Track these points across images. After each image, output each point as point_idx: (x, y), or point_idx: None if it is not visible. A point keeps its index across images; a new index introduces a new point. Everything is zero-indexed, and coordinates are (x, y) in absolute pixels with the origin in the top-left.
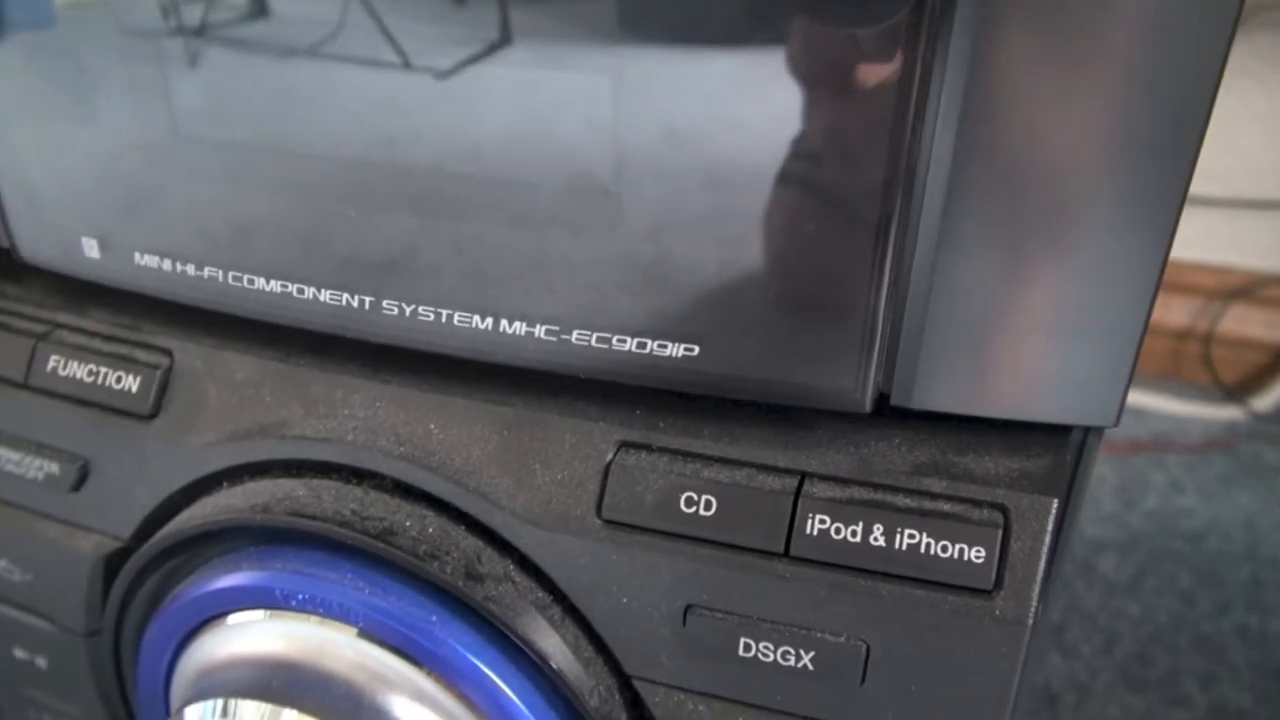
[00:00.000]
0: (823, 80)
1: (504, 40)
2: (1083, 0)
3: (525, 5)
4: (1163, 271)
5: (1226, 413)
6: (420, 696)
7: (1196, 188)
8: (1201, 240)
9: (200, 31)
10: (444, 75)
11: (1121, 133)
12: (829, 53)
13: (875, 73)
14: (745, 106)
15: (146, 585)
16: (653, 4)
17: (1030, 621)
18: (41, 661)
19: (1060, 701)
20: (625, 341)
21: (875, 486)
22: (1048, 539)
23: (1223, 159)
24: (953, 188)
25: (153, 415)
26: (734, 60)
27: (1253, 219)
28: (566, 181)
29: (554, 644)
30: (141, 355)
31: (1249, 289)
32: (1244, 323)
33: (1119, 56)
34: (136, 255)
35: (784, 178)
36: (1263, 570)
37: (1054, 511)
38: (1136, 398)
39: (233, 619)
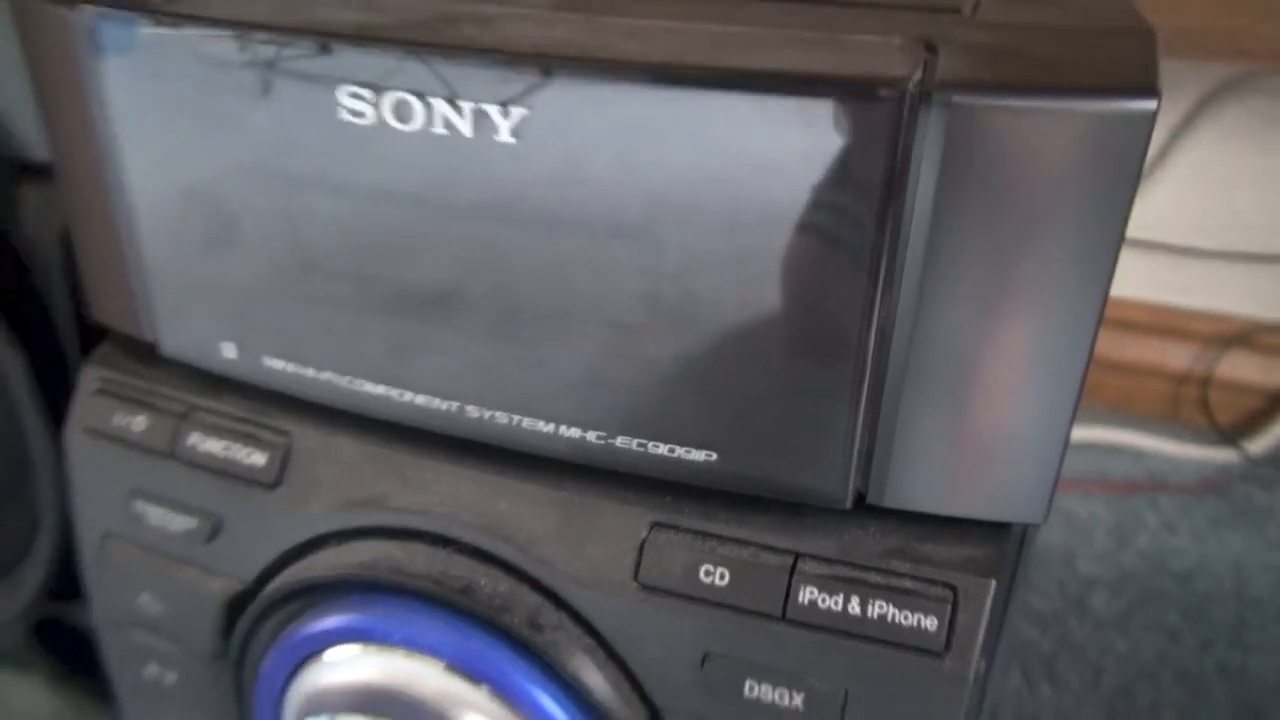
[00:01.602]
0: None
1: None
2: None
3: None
4: (1077, 403)
5: (1221, 455)
6: (491, 717)
7: (1196, 241)
8: (1200, 289)
9: (321, 184)
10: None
11: (1037, 314)
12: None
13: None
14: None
15: (266, 622)
16: None
17: (971, 677)
18: (170, 678)
19: None
20: (659, 447)
21: (853, 566)
22: (986, 612)
23: (1220, 214)
24: (913, 347)
25: (275, 485)
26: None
27: (1248, 270)
28: (612, 324)
29: (598, 681)
30: (266, 435)
31: (1245, 336)
32: (1240, 368)
33: (1040, 255)
34: (266, 358)
35: (775, 333)
36: (1247, 610)
37: (992, 591)
38: (1134, 439)
39: (339, 652)
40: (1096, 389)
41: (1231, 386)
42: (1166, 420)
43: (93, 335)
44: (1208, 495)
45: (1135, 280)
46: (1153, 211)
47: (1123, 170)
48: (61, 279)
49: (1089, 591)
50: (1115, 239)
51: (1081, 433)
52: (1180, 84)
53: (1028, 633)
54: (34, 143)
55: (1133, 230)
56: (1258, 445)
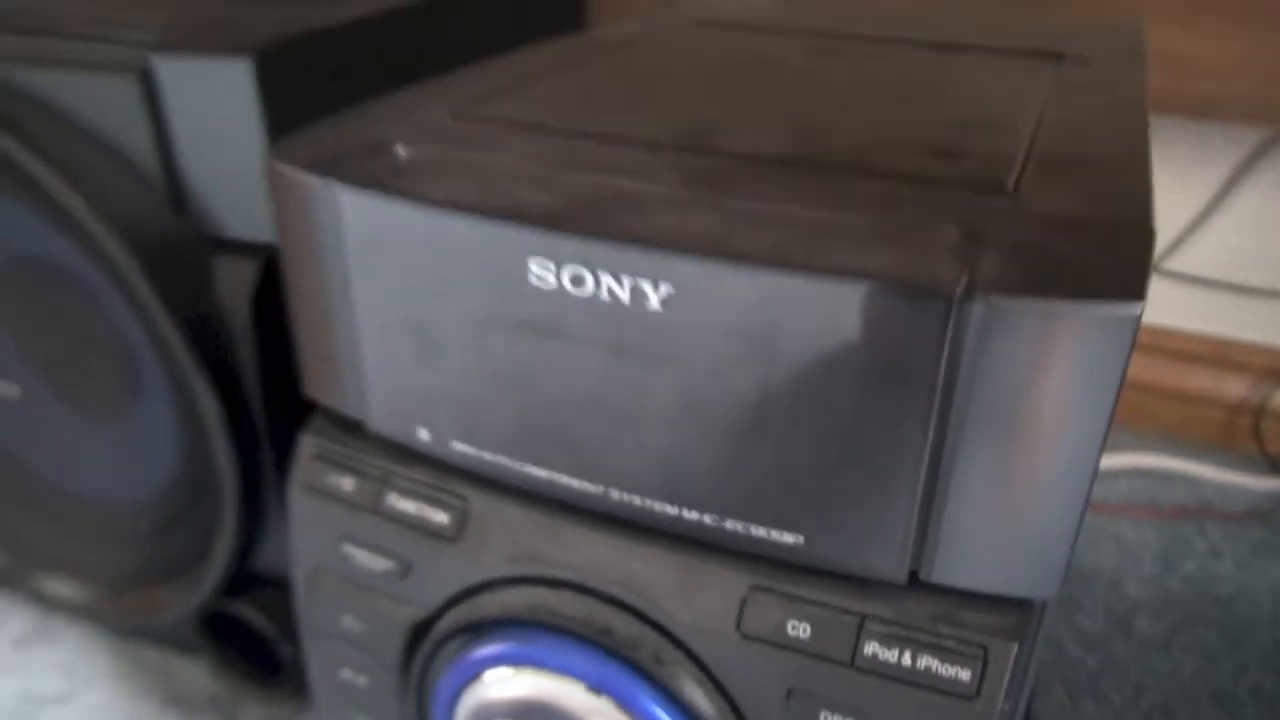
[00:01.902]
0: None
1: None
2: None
3: None
4: (1084, 510)
5: (1270, 484)
6: None
7: (1254, 279)
8: (1257, 325)
9: (510, 327)
10: (663, 367)
11: (1051, 447)
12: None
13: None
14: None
15: (443, 646)
16: None
17: (995, 717)
18: (361, 681)
19: None
20: (759, 529)
21: (907, 627)
22: (1010, 668)
23: (1273, 252)
24: (954, 470)
25: (455, 539)
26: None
27: None
28: (724, 439)
29: (705, 706)
30: (449, 500)
31: None
32: None
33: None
34: (452, 441)
35: (853, 456)
36: None
37: (1014, 652)
38: (1186, 466)
39: (497, 673)
40: (1153, 416)
41: None
42: (1219, 449)
43: (278, 388)
44: (1253, 523)
45: (1193, 314)
46: (1212, 249)
47: (1117, 353)
48: (251, 341)
49: (1135, 613)
50: (1110, 398)
51: (1136, 459)
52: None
53: (1073, 651)
54: (226, 221)
55: (1192, 267)
56: None
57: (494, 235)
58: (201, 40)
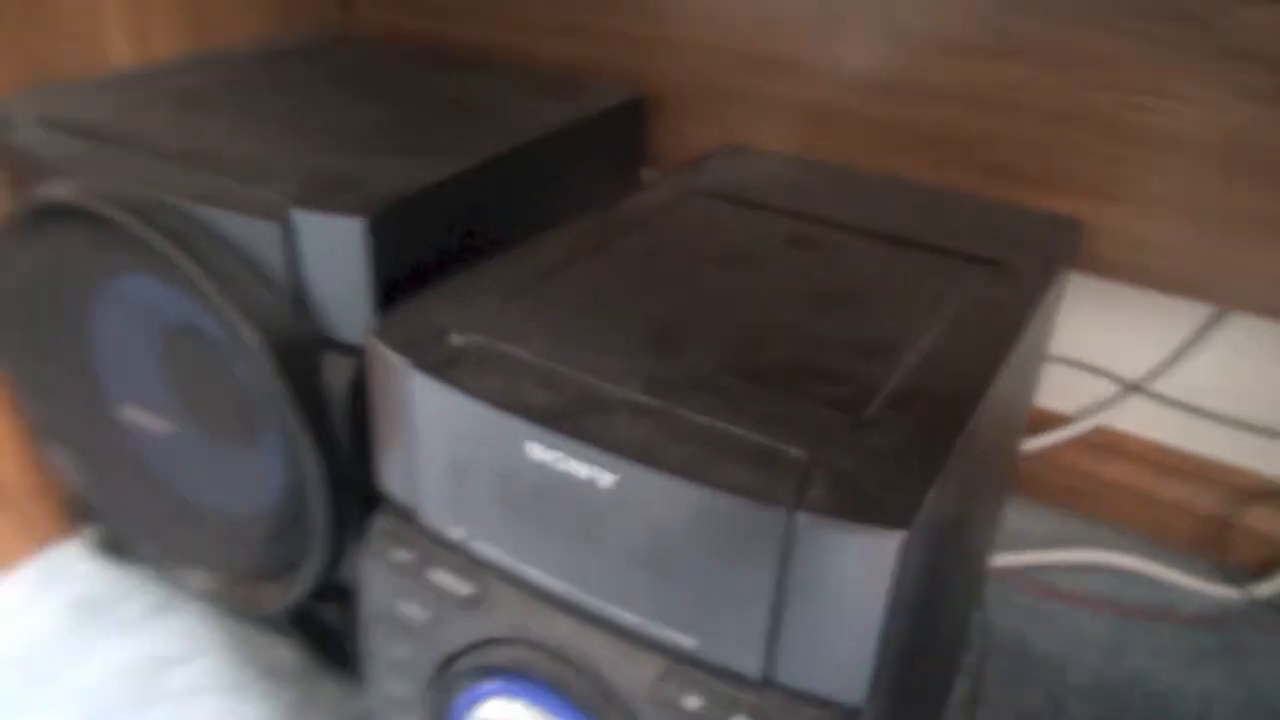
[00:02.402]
0: None
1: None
2: None
3: None
4: (876, 657)
5: (1227, 593)
6: None
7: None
8: (1235, 448)
9: (514, 477)
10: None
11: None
12: None
13: None
14: None
15: (461, 675)
16: None
17: None
18: (404, 690)
19: None
20: (673, 633)
21: (761, 709)
22: None
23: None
24: (789, 615)
25: (473, 606)
26: None
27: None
28: (643, 568)
29: None
30: (475, 575)
31: (1271, 493)
32: (1264, 521)
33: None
34: (478, 542)
35: (720, 595)
36: None
37: None
38: (1151, 568)
39: (495, 703)
40: (1130, 519)
41: (1251, 534)
42: (1187, 556)
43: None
44: (1202, 628)
45: (1177, 433)
46: (1201, 375)
47: (885, 561)
48: (346, 418)
49: (1070, 697)
50: (884, 590)
51: (1107, 556)
52: None
53: None
54: (336, 327)
55: (1180, 393)
56: (1263, 590)
57: (506, 422)
58: (329, 200)
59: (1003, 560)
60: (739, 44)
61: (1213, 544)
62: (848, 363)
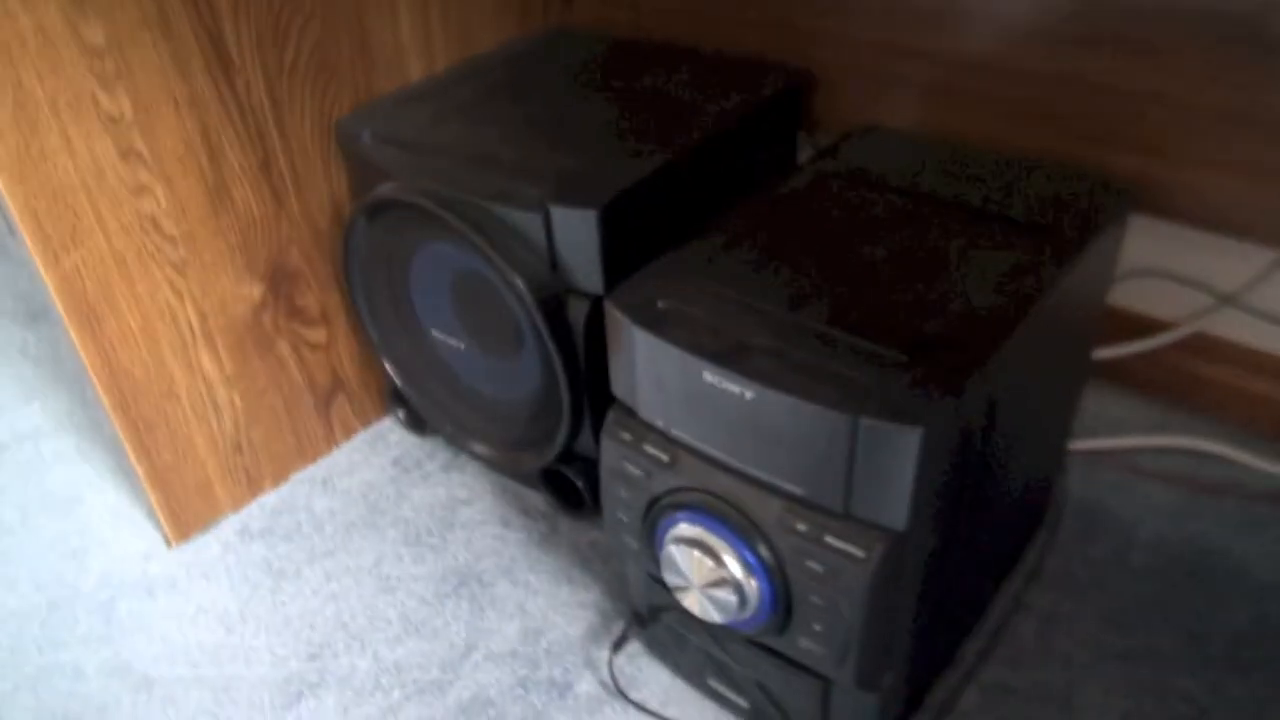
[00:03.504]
0: None
1: None
2: None
3: None
4: (911, 499)
5: None
6: (728, 554)
7: None
8: None
9: (701, 392)
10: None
11: None
12: None
13: None
14: None
15: (665, 508)
16: None
17: (872, 576)
18: (625, 519)
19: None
20: (789, 484)
21: (844, 530)
22: (883, 552)
23: None
24: (857, 475)
25: (670, 466)
26: None
27: None
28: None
29: (766, 554)
30: (669, 448)
31: None
32: None
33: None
34: (673, 429)
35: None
36: (1236, 584)
37: (886, 545)
38: (1233, 452)
39: (684, 525)
40: (1222, 411)
41: None
42: (1267, 443)
43: (597, 366)
44: (1265, 501)
45: (1265, 337)
46: None
47: (910, 449)
48: (583, 343)
49: (1131, 550)
50: (910, 469)
51: (1195, 442)
52: None
53: (1075, 568)
54: (577, 281)
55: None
56: None
57: (689, 359)
58: (573, 197)
59: (1097, 443)
60: (877, 33)
61: None
62: (912, 318)
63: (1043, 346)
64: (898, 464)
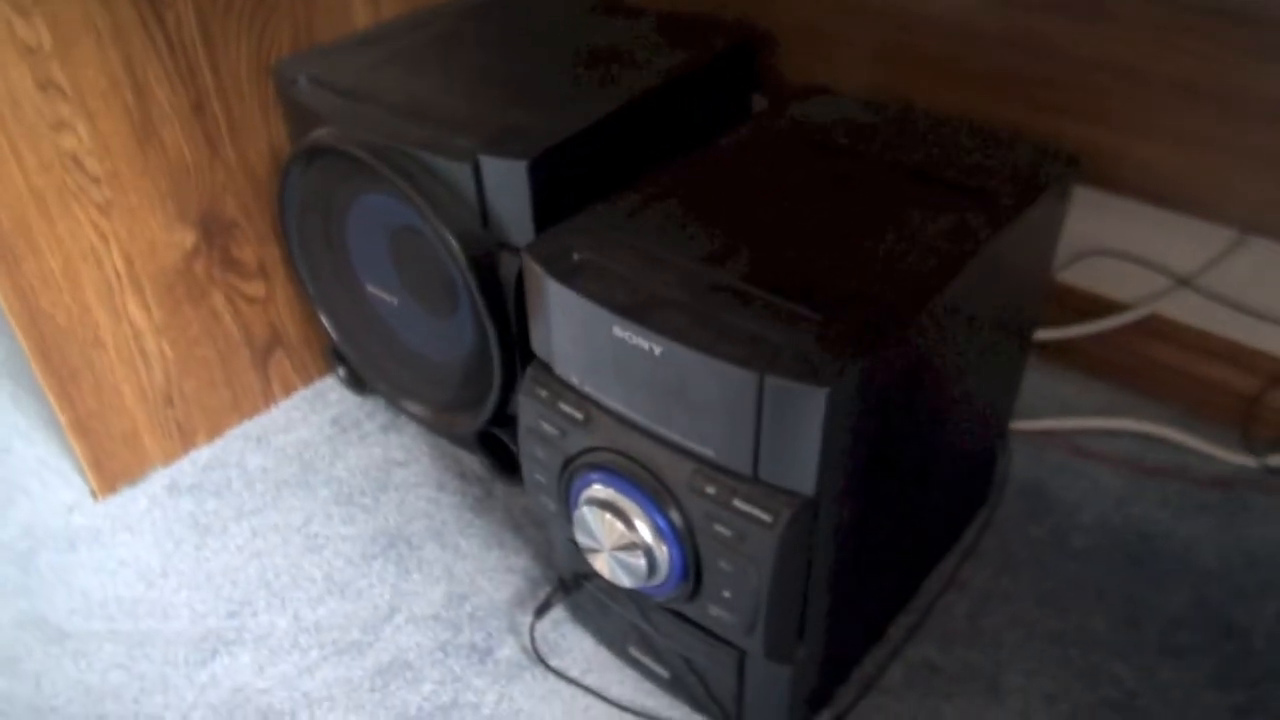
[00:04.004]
0: None
1: None
2: None
3: None
4: (819, 455)
5: (1240, 459)
6: (636, 515)
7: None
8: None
9: (612, 350)
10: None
11: None
12: None
13: None
14: None
15: (577, 470)
16: None
17: (778, 541)
18: (543, 479)
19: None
20: (702, 447)
21: (750, 494)
22: (790, 516)
23: None
24: (766, 431)
25: (584, 425)
26: None
27: None
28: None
29: (676, 517)
30: (583, 406)
31: None
32: None
33: None
34: (585, 385)
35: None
36: (1173, 566)
37: (793, 509)
38: (1182, 437)
39: (596, 487)
40: (1172, 394)
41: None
42: (1215, 428)
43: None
44: (1210, 488)
45: (1218, 321)
46: (1244, 271)
47: (816, 409)
48: (514, 299)
49: (1072, 532)
50: (816, 433)
51: (1142, 425)
52: None
53: (1015, 548)
54: (508, 235)
55: (1225, 287)
56: (1278, 459)
57: (600, 313)
58: (503, 148)
59: (1042, 424)
60: None
61: (1242, 420)
62: (835, 278)
63: (975, 313)
64: (805, 426)
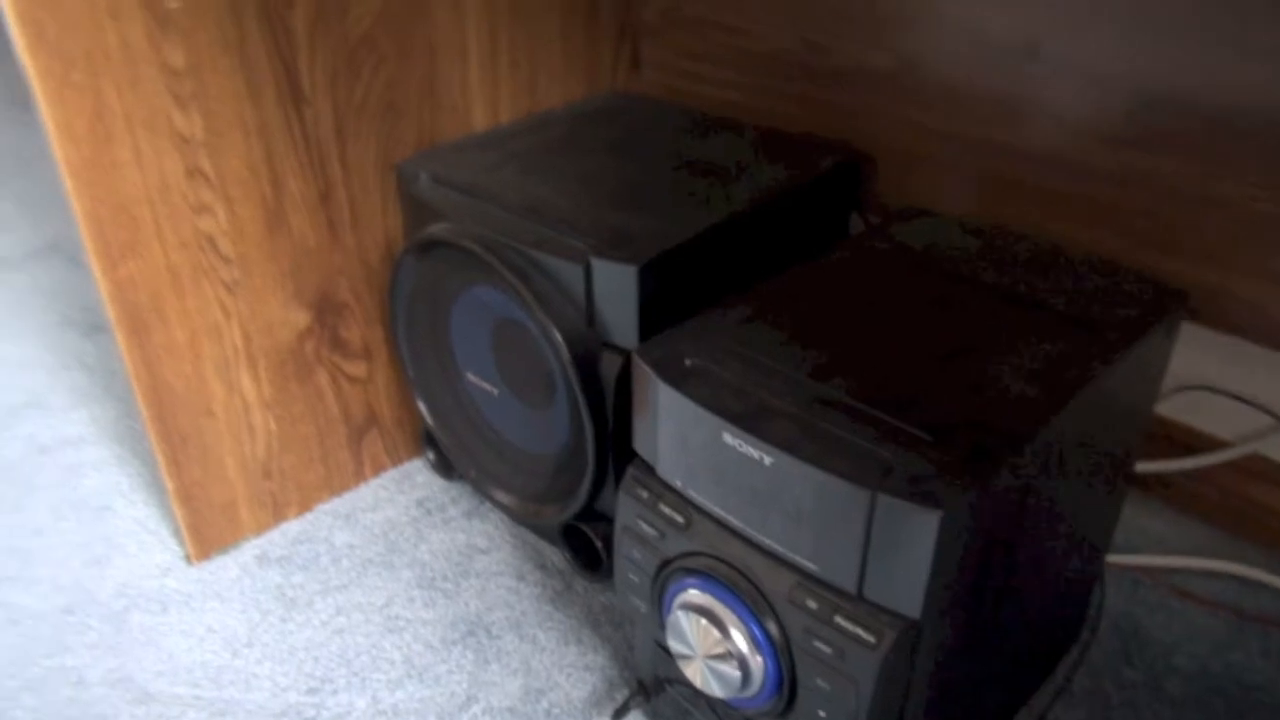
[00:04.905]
0: None
1: None
2: None
3: None
4: (928, 582)
5: None
6: (735, 626)
7: None
8: None
9: (723, 457)
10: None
11: None
12: None
13: None
14: None
15: (673, 574)
16: None
17: (880, 661)
18: (636, 580)
19: None
20: (802, 560)
21: (854, 612)
22: (894, 639)
23: None
24: (873, 549)
25: (685, 530)
26: None
27: None
28: (784, 515)
29: (774, 629)
30: (685, 510)
31: None
32: None
33: None
34: (690, 490)
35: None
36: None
37: (896, 631)
38: (1275, 580)
39: (693, 591)
40: (1272, 538)
41: None
42: None
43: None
44: None
45: None
46: None
47: (928, 533)
48: (613, 399)
49: (1169, 676)
50: (928, 556)
51: (1242, 569)
52: None
53: (1109, 687)
54: (612, 335)
55: None
56: None
57: (711, 419)
58: (614, 252)
59: (1139, 560)
60: (934, 120)
61: None
62: (943, 399)
63: (1080, 445)
64: (915, 547)
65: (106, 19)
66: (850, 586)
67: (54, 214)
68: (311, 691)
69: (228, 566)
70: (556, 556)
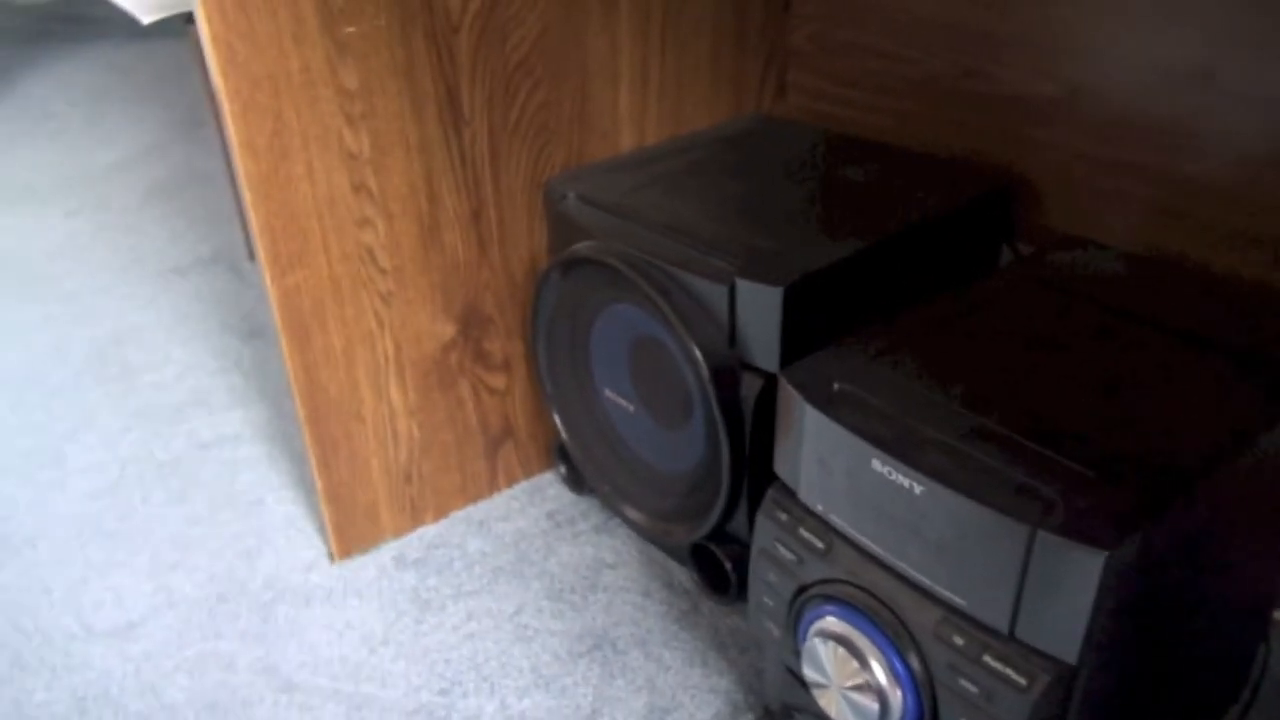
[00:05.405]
0: None
1: None
2: None
3: None
4: (1087, 625)
5: None
6: (873, 656)
7: None
8: None
9: (871, 487)
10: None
11: None
12: None
13: None
14: None
15: (810, 599)
16: None
17: (1032, 705)
18: (770, 604)
19: None
20: (951, 594)
21: (1004, 652)
22: (1046, 683)
23: None
24: (1029, 587)
25: (824, 555)
26: None
27: None
28: (933, 550)
29: (915, 663)
30: (825, 535)
31: None
32: None
33: None
34: (832, 515)
35: (979, 568)
36: None
37: (1050, 677)
38: None
39: (830, 619)
40: None
41: None
42: None
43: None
44: None
45: None
46: None
47: (1091, 572)
48: (752, 420)
49: None
50: (1092, 585)
51: None
52: None
53: None
54: (754, 356)
55: None
56: None
57: (860, 445)
58: (760, 273)
59: None
60: (1097, 149)
61: None
62: (1108, 435)
63: (1252, 491)
64: (1075, 589)
65: (291, 45)
66: (1001, 625)
67: (219, 226)
68: (443, 693)
69: (367, 566)
70: (684, 576)
